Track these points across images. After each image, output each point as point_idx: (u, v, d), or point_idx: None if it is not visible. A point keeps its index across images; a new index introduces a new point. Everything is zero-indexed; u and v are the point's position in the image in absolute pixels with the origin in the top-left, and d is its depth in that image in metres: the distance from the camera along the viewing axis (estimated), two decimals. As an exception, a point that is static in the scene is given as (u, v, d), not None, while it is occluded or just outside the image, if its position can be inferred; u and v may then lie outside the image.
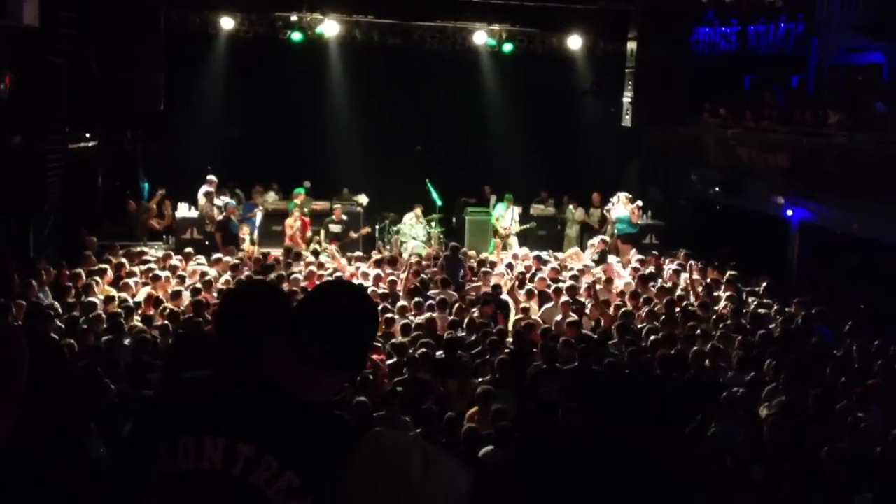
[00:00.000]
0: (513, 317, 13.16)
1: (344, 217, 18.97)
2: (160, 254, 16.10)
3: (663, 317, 12.71)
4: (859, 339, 11.64)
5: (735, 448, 8.28)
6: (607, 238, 18.16)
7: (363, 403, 8.27)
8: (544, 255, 17.17)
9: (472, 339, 11.52)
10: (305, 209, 18.82)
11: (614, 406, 9.06)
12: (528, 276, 15.15)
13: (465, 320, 12.22)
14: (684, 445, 1.11)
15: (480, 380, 9.80)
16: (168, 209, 19.10)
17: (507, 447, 1.18)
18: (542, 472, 1.06)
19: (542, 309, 13.27)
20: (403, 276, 14.78)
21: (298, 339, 2.43)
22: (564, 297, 13.12)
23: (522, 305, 13.43)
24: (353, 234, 18.78)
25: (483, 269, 15.34)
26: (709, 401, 9.32)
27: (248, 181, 20.18)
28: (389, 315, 12.27)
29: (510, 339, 11.67)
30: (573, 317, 12.56)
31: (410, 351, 10.46)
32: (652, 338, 11.53)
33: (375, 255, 16.86)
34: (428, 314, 12.27)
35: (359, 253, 17.28)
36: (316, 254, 17.01)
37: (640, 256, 17.14)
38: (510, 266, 15.87)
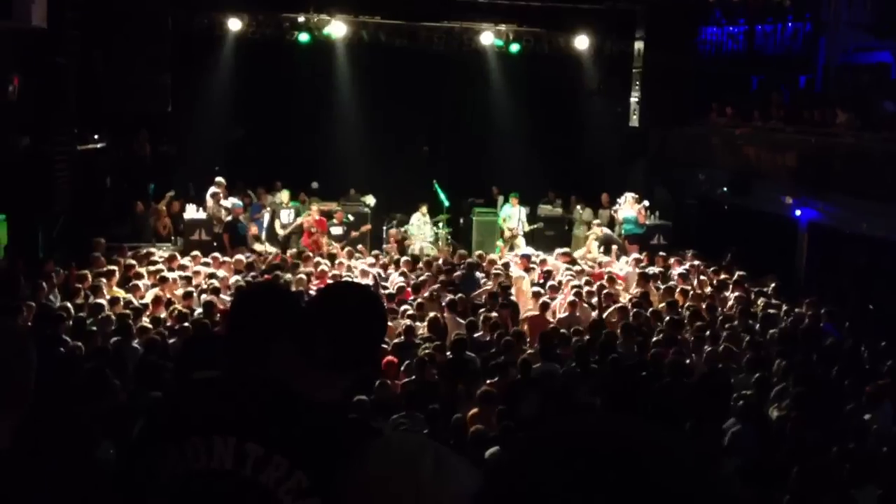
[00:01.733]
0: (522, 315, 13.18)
1: (351, 218, 18.99)
2: (168, 255, 16.11)
3: (668, 318, 12.67)
4: (868, 339, 11.61)
5: (744, 448, 8.28)
6: (568, 249, 18.03)
7: (362, 402, 8.28)
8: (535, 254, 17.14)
9: (486, 340, 11.51)
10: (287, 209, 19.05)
11: (627, 405, 9.07)
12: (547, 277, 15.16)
13: (479, 321, 12.19)
14: (692, 440, 1.11)
15: (489, 382, 9.75)
16: (176, 210, 19.11)
17: (516, 441, 1.16)
18: (552, 463, 1.06)
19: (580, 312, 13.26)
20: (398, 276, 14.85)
21: (307, 339, 2.43)
22: (571, 298, 13.17)
23: (543, 300, 13.40)
24: (354, 234, 18.79)
25: (494, 270, 15.32)
26: (719, 401, 9.31)
27: (256, 182, 20.20)
28: (399, 315, 12.29)
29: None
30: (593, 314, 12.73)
31: (419, 351, 10.46)
32: (655, 338, 11.53)
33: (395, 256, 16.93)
34: (432, 314, 12.24)
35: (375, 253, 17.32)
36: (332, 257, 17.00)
37: (636, 256, 17.03)
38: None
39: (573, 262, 16.64)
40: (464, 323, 12.12)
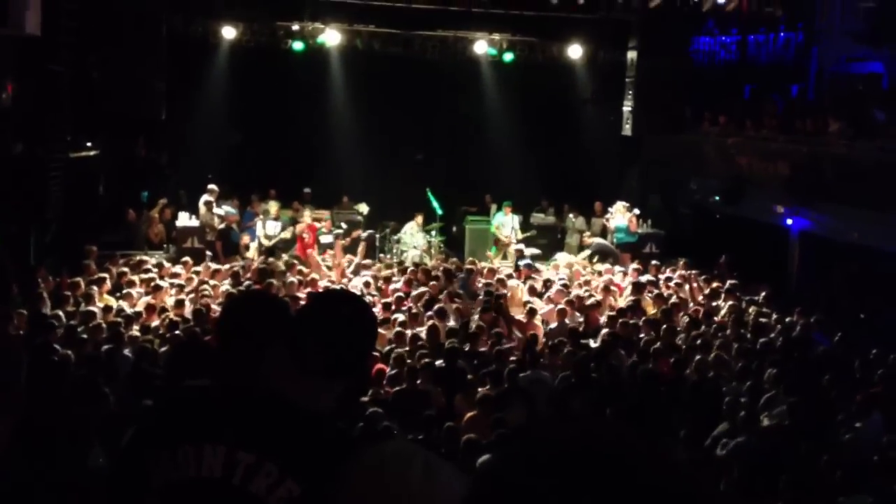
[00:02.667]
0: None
1: (343, 226, 18.98)
2: (155, 263, 16.02)
3: (664, 327, 12.67)
4: (859, 348, 11.63)
5: (735, 457, 8.28)
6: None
7: (377, 413, 8.28)
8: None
9: (478, 349, 11.51)
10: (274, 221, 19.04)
11: (619, 413, 9.08)
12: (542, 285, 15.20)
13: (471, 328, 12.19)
14: (678, 448, 1.12)
15: (480, 391, 9.73)
16: (168, 218, 19.04)
17: (505, 445, 1.17)
18: (540, 468, 1.06)
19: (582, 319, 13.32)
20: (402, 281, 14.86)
21: (298, 347, 2.44)
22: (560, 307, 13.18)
23: (531, 307, 13.40)
24: (344, 242, 18.75)
25: (497, 277, 15.32)
26: (710, 410, 9.31)
27: (250, 190, 20.16)
28: (391, 324, 12.27)
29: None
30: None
31: (409, 360, 10.44)
32: (652, 348, 11.52)
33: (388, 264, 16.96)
34: (430, 323, 12.23)
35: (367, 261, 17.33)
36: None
37: (635, 266, 17.09)
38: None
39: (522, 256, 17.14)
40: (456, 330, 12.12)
